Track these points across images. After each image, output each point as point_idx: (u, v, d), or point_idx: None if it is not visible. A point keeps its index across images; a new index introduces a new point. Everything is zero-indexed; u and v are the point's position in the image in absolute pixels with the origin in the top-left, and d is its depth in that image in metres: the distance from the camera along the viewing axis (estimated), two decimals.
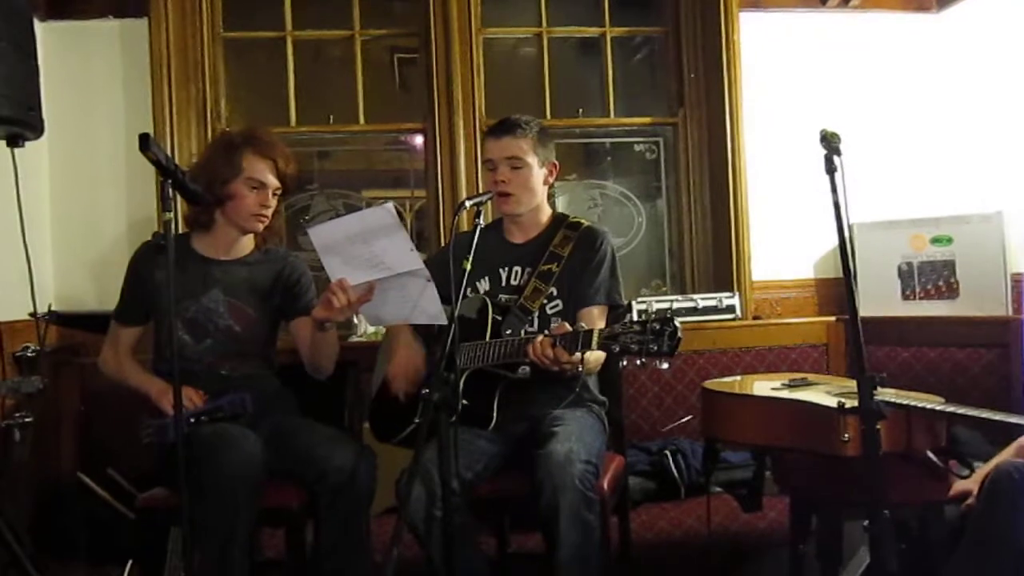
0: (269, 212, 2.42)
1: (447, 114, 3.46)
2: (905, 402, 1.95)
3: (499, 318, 2.32)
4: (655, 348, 1.84)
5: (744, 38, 3.49)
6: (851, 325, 1.78)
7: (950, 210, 3.30)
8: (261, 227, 2.43)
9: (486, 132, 2.52)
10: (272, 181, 2.40)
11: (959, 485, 2.03)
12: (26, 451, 2.56)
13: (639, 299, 3.28)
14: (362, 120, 3.56)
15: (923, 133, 3.55)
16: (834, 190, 1.82)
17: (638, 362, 1.88)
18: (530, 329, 2.33)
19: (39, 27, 2.32)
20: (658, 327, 1.84)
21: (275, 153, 2.40)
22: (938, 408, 1.94)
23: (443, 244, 3.40)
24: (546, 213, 2.50)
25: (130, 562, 2.49)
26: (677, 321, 1.85)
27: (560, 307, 2.38)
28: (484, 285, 2.46)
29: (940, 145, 3.54)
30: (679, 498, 2.93)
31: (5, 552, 2.11)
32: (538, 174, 2.40)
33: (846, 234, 1.81)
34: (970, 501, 1.98)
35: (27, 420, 2.51)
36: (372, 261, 2.08)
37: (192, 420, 2.19)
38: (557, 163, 2.47)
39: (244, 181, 2.37)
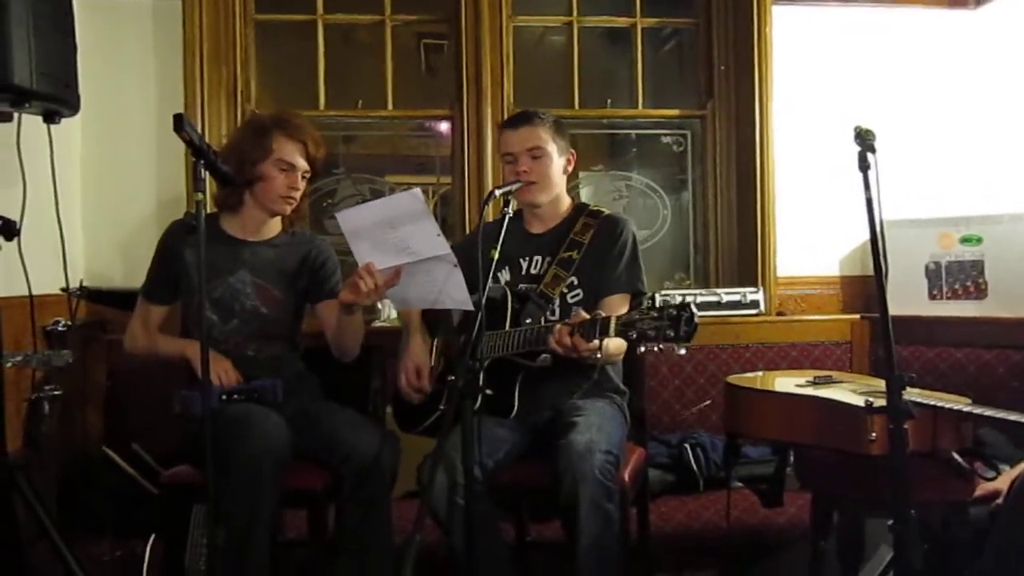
0: (298, 195, 2.43)
1: (475, 101, 3.46)
2: (933, 402, 1.94)
3: (518, 307, 2.32)
4: (672, 334, 1.84)
5: (776, 31, 3.46)
6: (881, 324, 1.77)
7: (980, 209, 3.27)
8: (289, 209, 2.45)
9: (501, 126, 2.52)
10: (301, 164, 2.41)
11: (988, 485, 2.02)
12: (54, 424, 2.59)
13: (662, 292, 3.27)
14: (390, 105, 3.57)
15: (954, 131, 3.51)
16: (867, 187, 1.81)
17: (656, 348, 1.88)
18: (551, 318, 2.33)
19: (75, 4, 2.33)
20: (674, 313, 1.85)
21: (305, 136, 2.41)
22: (966, 409, 1.93)
23: (467, 231, 3.41)
24: (565, 203, 2.50)
25: (153, 537, 2.53)
26: (694, 307, 1.85)
27: (581, 296, 2.38)
28: (504, 275, 2.47)
29: (971, 143, 3.50)
30: (698, 491, 2.93)
31: (34, 523, 2.14)
32: (558, 163, 2.41)
33: (879, 232, 1.80)
34: (999, 501, 1.97)
35: (56, 393, 2.54)
36: (399, 246, 2.09)
37: (224, 397, 2.21)
38: (574, 152, 2.48)
39: (273, 163, 2.38)
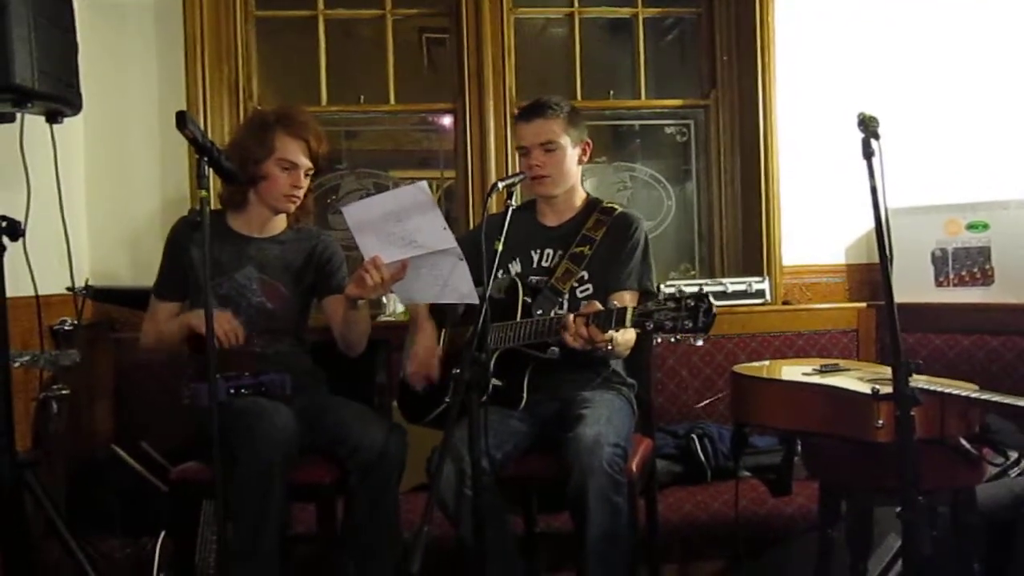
0: (301, 193, 2.43)
1: (477, 95, 3.45)
2: (940, 389, 1.93)
3: (529, 299, 2.33)
4: (690, 324, 1.84)
5: (778, 17, 3.44)
6: (887, 311, 1.77)
7: (987, 195, 3.25)
8: (293, 207, 2.45)
9: (516, 116, 2.51)
10: (304, 162, 2.40)
11: None
12: (62, 423, 2.60)
13: (668, 283, 3.26)
14: (392, 100, 3.56)
15: (960, 116, 3.49)
16: (871, 175, 1.80)
17: (672, 339, 1.88)
18: (560, 312, 2.33)
19: (76, 2, 2.33)
20: (692, 304, 1.84)
21: (308, 134, 2.40)
22: (973, 395, 1.93)
23: (472, 225, 3.40)
24: (580, 196, 2.50)
25: (163, 534, 2.54)
26: (712, 297, 1.84)
27: (590, 291, 2.38)
28: (515, 267, 2.47)
29: (977, 128, 3.47)
30: (706, 481, 2.92)
31: (44, 522, 2.15)
32: (572, 155, 2.40)
33: (883, 220, 1.79)
34: None
35: (64, 392, 2.55)
36: (405, 239, 2.09)
37: (232, 391, 2.22)
38: (590, 142, 2.47)
39: (276, 161, 2.38)
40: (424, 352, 2.40)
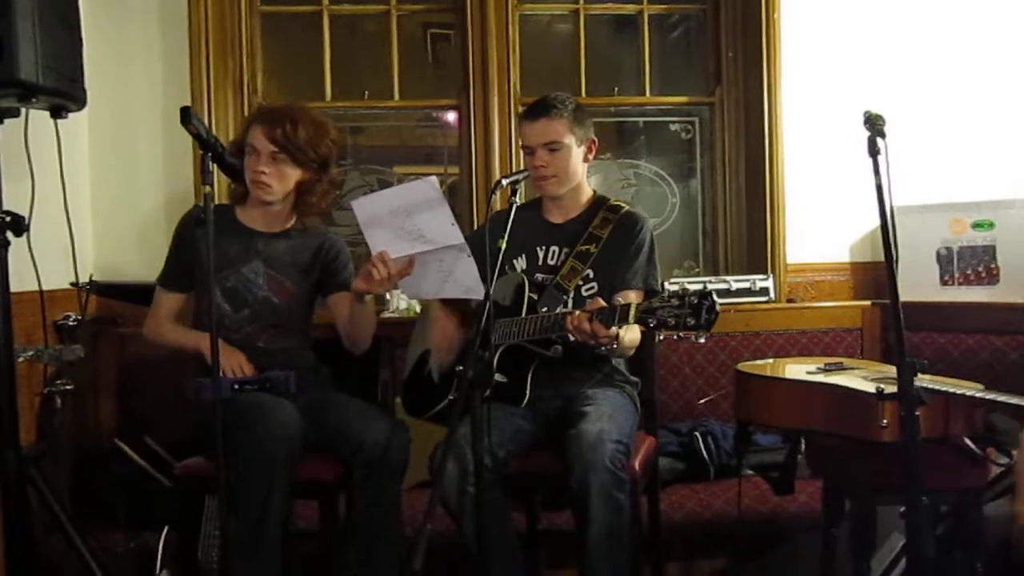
0: (266, 178, 2.35)
1: (482, 91, 3.45)
2: (944, 388, 1.93)
3: (535, 296, 2.33)
4: (692, 322, 1.84)
5: (784, 14, 3.42)
6: (892, 310, 1.76)
7: (992, 194, 3.24)
8: (263, 195, 2.37)
9: (521, 115, 2.51)
10: (264, 145, 2.34)
11: None
12: (67, 418, 2.61)
13: (672, 280, 3.26)
14: (397, 96, 3.56)
15: (966, 115, 3.47)
16: (877, 173, 1.79)
17: (675, 336, 1.87)
18: (564, 310, 2.33)
19: None
20: (696, 301, 1.84)
21: (266, 118, 2.37)
22: (978, 395, 1.92)
23: (476, 221, 3.41)
24: (586, 194, 2.49)
25: (166, 528, 2.55)
26: (715, 295, 1.84)
27: (595, 289, 2.38)
28: (521, 263, 2.46)
29: (983, 127, 3.46)
30: (708, 479, 2.92)
31: (48, 516, 2.16)
32: (577, 153, 2.40)
33: (889, 219, 1.78)
34: None
35: (68, 387, 2.56)
36: (413, 234, 2.09)
37: (236, 387, 2.22)
38: (595, 139, 2.46)
39: (247, 149, 2.38)
40: (441, 331, 2.40)
